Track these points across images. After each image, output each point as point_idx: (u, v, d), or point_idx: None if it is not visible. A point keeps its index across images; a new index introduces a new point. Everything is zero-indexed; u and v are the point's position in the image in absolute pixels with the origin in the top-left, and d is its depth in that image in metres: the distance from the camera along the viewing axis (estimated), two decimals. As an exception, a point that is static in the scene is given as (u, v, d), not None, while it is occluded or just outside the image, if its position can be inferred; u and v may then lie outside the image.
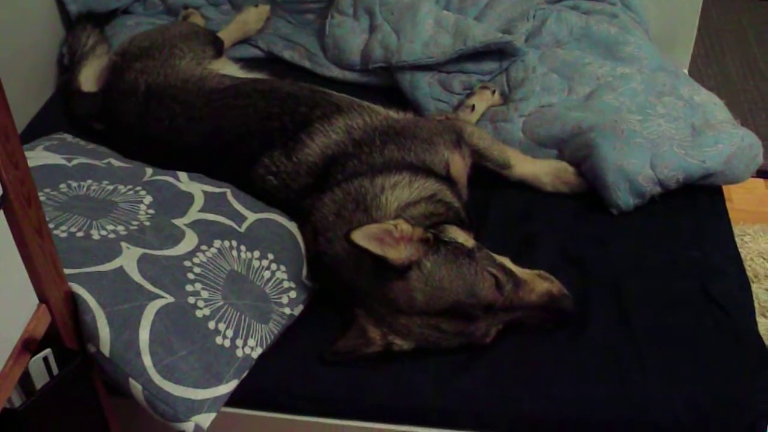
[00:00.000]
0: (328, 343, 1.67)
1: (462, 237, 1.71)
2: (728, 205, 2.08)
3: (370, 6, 2.51)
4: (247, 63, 2.46)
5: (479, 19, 2.48)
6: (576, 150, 2.05)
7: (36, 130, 2.24)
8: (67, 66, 2.49)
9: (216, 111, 2.04)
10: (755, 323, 1.76)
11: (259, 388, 1.62)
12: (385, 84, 2.47)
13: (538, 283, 1.68)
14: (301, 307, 1.75)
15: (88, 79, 2.35)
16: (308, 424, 1.64)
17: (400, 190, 1.79)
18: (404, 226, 1.62)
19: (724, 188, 2.09)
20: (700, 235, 1.94)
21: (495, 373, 1.64)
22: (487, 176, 2.06)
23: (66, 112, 2.35)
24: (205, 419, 1.47)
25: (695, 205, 2.01)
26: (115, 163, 1.93)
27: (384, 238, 1.59)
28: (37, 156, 1.85)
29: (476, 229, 1.89)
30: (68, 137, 2.10)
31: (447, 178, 1.91)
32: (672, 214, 1.99)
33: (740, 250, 2.13)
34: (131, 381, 1.45)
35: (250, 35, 2.65)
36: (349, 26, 2.53)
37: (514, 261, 1.73)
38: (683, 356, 1.65)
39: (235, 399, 1.57)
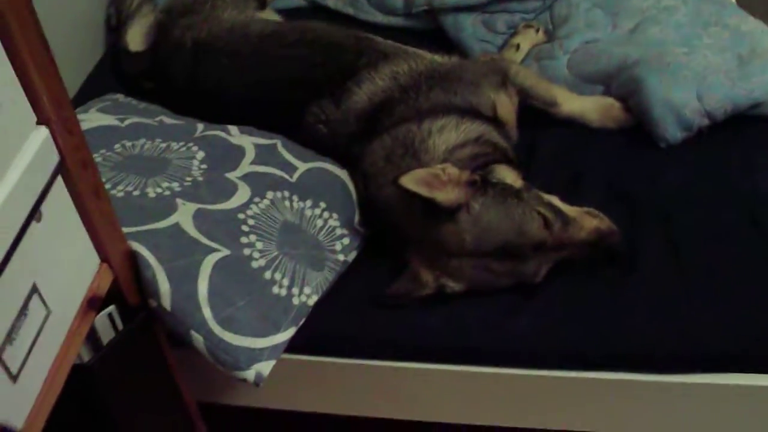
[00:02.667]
0: (382, 287, 1.70)
1: (510, 177, 1.74)
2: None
3: (413, -53, 2.50)
4: (290, 14, 2.46)
5: (523, -44, 2.45)
6: (622, 85, 2.04)
7: (88, 92, 2.28)
8: (115, 26, 2.52)
9: (262, 61, 2.07)
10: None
11: (316, 334, 1.66)
12: (430, 27, 2.46)
13: (587, 221, 1.68)
14: (354, 253, 1.79)
15: (136, 38, 2.37)
16: (364, 366, 1.68)
17: (448, 133, 1.80)
18: (451, 170, 1.64)
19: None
20: (749, 165, 1.92)
21: (545, 313, 1.66)
22: (534, 115, 2.06)
23: (116, 73, 2.39)
24: (266, 367, 1.52)
25: (744, 136, 1.98)
26: (167, 120, 1.97)
27: (432, 181, 1.62)
28: (91, 118, 1.90)
29: (525, 168, 1.90)
30: (120, 97, 2.14)
31: (495, 120, 1.92)
32: (721, 145, 1.97)
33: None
34: (193, 333, 1.50)
35: (293, -17, 2.66)
36: (392, -31, 2.52)
37: (563, 199, 1.74)
38: (731, 287, 1.65)
39: (294, 345, 1.61)
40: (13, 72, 1.15)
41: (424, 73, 1.95)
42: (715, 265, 1.70)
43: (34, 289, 1.22)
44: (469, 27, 2.36)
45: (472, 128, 1.83)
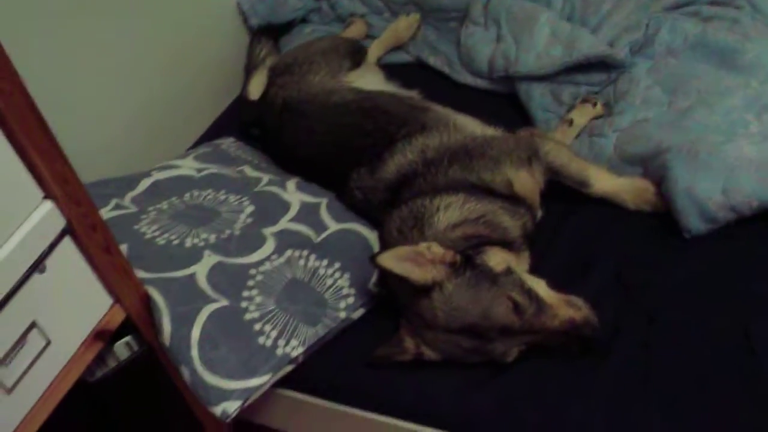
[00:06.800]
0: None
1: (496, 260, 1.80)
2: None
3: (497, 16, 2.59)
4: (392, 70, 2.66)
5: (598, 28, 2.46)
6: (655, 170, 2.02)
7: (219, 128, 2.68)
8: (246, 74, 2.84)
9: (328, 127, 2.29)
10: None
11: (310, 377, 1.89)
12: (510, 91, 2.53)
13: (563, 310, 1.73)
14: (361, 311, 1.96)
15: (257, 88, 2.66)
16: (343, 413, 1.89)
17: (452, 211, 1.92)
18: (436, 249, 1.76)
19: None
20: (773, 264, 1.83)
21: (507, 392, 1.74)
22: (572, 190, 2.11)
23: (237, 116, 2.71)
24: (231, 405, 1.73)
25: (778, 232, 1.89)
26: (247, 171, 2.27)
27: (416, 258, 1.75)
28: (180, 165, 2.26)
29: (547, 244, 1.99)
30: (226, 142, 2.48)
31: (512, 197, 2.00)
32: (747, 240, 1.89)
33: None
34: (182, 368, 1.76)
35: (403, 42, 2.85)
36: (480, 36, 2.63)
37: (567, 281, 1.81)
38: (695, 401, 1.62)
39: (291, 384, 1.89)
40: (15, 155, 1.45)
41: (451, 148, 2.06)
42: (683, 374, 1.67)
43: (33, 325, 1.55)
44: (537, 96, 2.42)
45: (477, 208, 1.92)
